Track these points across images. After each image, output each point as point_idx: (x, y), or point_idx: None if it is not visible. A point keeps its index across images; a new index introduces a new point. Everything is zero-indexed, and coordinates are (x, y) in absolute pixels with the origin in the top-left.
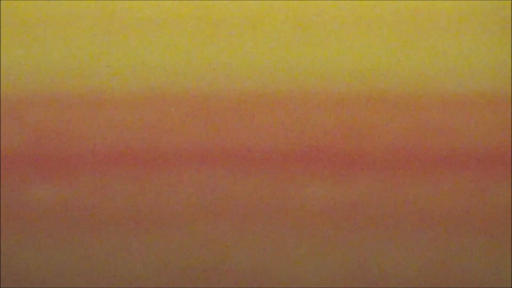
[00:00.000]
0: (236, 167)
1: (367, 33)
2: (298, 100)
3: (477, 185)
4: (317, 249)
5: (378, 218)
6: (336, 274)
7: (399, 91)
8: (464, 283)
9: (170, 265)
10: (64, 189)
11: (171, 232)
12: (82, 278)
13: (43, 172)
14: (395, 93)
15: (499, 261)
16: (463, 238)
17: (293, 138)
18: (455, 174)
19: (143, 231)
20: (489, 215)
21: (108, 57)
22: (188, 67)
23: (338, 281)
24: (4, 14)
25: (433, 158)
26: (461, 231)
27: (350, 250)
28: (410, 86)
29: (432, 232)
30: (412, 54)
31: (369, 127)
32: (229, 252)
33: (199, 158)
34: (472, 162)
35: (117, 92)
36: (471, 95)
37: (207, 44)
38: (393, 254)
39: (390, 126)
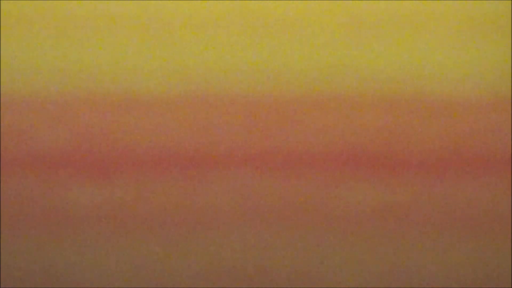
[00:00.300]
0: (282, 169)
1: (363, 35)
2: (343, 102)
3: (477, 188)
4: (362, 252)
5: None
6: (380, 276)
7: (407, 94)
8: (464, 283)
9: (214, 267)
10: (109, 191)
11: (216, 234)
12: (127, 279)
13: (87, 174)
14: (399, 95)
15: (499, 261)
16: (465, 239)
17: (339, 141)
18: (456, 176)
19: (187, 233)
20: (489, 216)
21: (150, 59)
22: (238, 70)
23: (382, 283)
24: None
25: (433, 161)
26: (461, 232)
27: (393, 252)
28: (412, 89)
29: (435, 233)
30: (412, 56)
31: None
32: (275, 253)
33: (245, 160)
34: (472, 165)
35: (162, 94)
36: (471, 98)
37: (252, 46)
38: (423, 256)
39: (390, 129)
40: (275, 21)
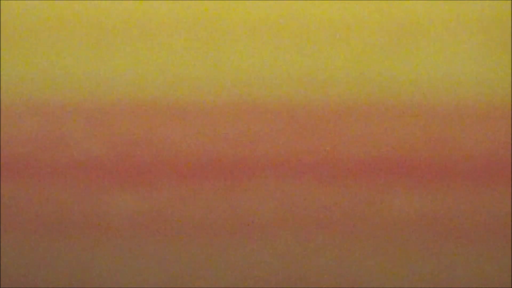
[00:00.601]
0: (322, 177)
1: (365, 41)
2: (383, 109)
3: (478, 194)
4: (402, 260)
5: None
6: (421, 284)
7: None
8: (464, 283)
9: (254, 274)
10: (145, 199)
11: (255, 242)
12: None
13: (124, 182)
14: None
15: (499, 263)
16: (467, 242)
17: (379, 148)
18: (455, 183)
19: (226, 241)
20: (490, 221)
21: (188, 66)
22: (277, 77)
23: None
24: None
25: (433, 167)
26: (464, 235)
27: (433, 260)
28: (413, 95)
29: (438, 236)
30: (412, 62)
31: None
32: (314, 261)
33: (287, 168)
34: (472, 171)
35: (199, 102)
36: (471, 104)
37: (292, 54)
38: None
39: (388, 135)
40: (314, 28)
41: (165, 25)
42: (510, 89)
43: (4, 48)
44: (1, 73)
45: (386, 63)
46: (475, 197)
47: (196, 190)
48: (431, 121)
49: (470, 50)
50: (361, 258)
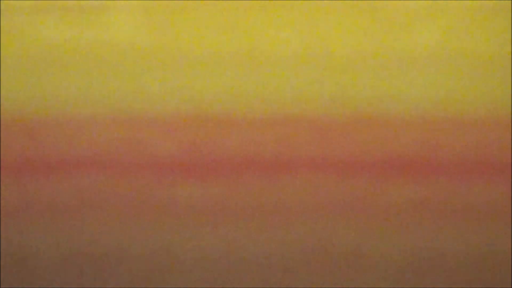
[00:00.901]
0: (343, 174)
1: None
2: (394, 121)
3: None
4: (413, 246)
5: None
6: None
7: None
8: (464, 282)
9: (289, 250)
10: (206, 190)
11: (290, 224)
12: (217, 271)
13: (191, 175)
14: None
15: (499, 261)
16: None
17: (390, 153)
18: (465, 179)
19: (268, 226)
20: (491, 215)
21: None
22: (305, 92)
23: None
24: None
25: (434, 167)
26: (463, 228)
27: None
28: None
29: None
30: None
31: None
32: (335, 239)
33: (314, 166)
34: (472, 175)
35: (251, 114)
36: (471, 116)
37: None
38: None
39: (399, 141)
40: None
41: (221, 53)
42: (510, 95)
43: (79, 65)
44: (86, 85)
45: (391, 79)
46: (475, 194)
47: (245, 184)
48: (434, 129)
49: (470, 61)
50: (370, 234)
